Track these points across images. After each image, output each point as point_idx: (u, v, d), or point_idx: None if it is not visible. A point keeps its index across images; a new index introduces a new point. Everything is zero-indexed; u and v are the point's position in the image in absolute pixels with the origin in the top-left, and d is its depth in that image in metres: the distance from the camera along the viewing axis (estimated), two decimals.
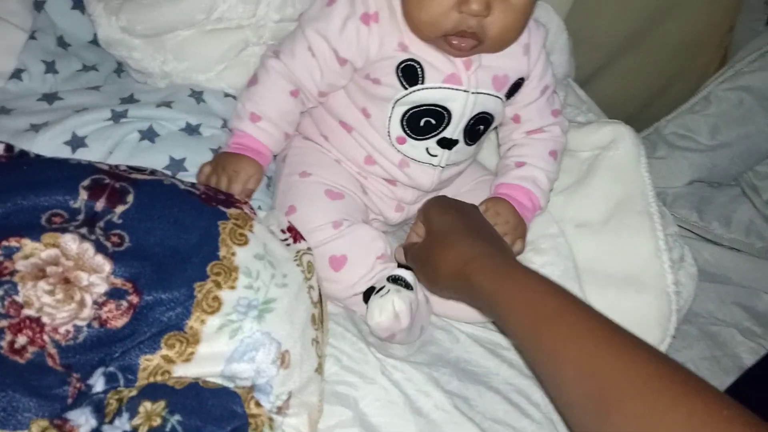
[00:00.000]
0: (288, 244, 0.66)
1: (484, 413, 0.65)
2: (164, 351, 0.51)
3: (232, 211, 0.62)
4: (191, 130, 0.77)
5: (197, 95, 0.80)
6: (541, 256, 0.75)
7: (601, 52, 1.24)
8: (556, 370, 0.51)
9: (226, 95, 0.82)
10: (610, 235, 0.78)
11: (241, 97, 0.74)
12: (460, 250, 0.61)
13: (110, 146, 0.72)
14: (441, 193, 0.81)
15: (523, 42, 0.72)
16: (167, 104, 0.77)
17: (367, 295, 0.69)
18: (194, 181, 0.70)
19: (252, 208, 0.68)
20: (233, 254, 0.58)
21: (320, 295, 0.65)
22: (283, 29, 0.81)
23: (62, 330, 0.48)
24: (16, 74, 0.78)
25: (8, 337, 0.46)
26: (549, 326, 0.52)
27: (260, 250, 0.60)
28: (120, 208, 0.56)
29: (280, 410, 0.53)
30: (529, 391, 0.68)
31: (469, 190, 0.81)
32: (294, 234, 0.67)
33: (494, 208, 0.74)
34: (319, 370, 0.59)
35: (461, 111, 0.71)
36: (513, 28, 0.67)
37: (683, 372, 0.47)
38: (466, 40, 0.66)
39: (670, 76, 1.29)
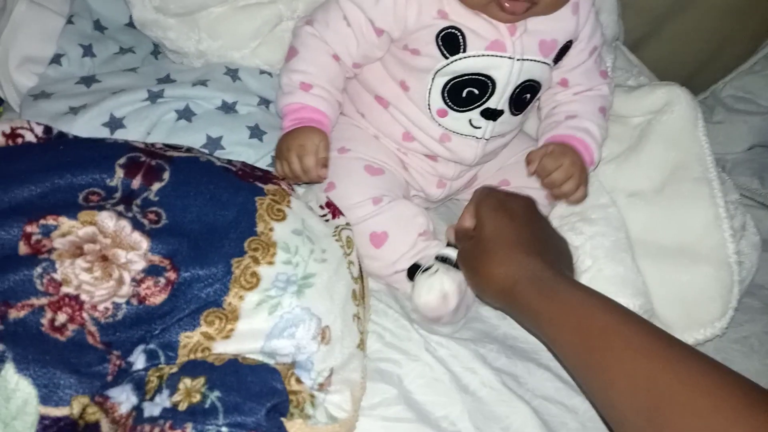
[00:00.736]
0: (327, 220, 0.65)
1: (533, 390, 0.62)
2: (204, 328, 0.51)
3: (269, 186, 0.61)
4: (227, 108, 0.76)
5: (233, 73, 0.79)
6: (591, 227, 0.71)
7: (650, 16, 1.18)
8: (607, 385, 0.50)
9: (262, 72, 0.81)
10: (665, 204, 0.74)
11: (283, 74, 0.71)
12: (510, 268, 0.58)
13: (148, 126, 0.72)
14: (486, 166, 0.78)
15: (572, 0, 0.68)
16: (203, 83, 0.77)
17: (412, 272, 0.67)
18: (231, 158, 0.69)
19: (290, 185, 0.66)
20: (271, 230, 0.57)
21: (360, 270, 0.63)
22: (317, 2, 0.79)
23: (101, 307, 0.48)
24: (56, 59, 0.79)
25: (48, 314, 0.46)
26: (600, 341, 0.51)
27: (298, 226, 0.59)
28: (156, 186, 0.55)
29: (321, 387, 0.52)
30: None
31: (516, 162, 0.78)
32: (333, 209, 0.66)
33: (560, 149, 0.70)
34: (362, 346, 0.58)
35: (506, 79, 0.67)
36: None
37: (744, 385, 0.45)
38: (520, 3, 0.62)
39: (723, 39, 1.23)
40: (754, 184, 0.91)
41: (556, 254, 0.63)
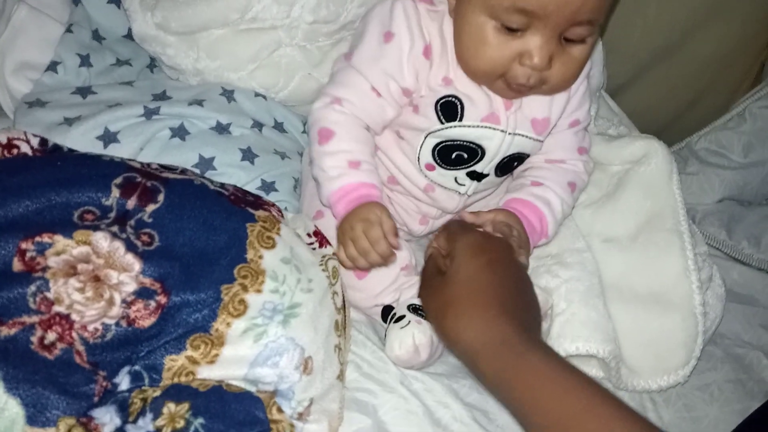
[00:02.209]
0: (314, 248, 0.66)
1: (503, 427, 0.64)
2: (189, 352, 0.52)
3: (260, 213, 0.62)
4: (221, 129, 0.77)
5: (228, 94, 0.81)
6: (566, 270, 0.73)
7: (633, 63, 1.22)
8: None
9: (257, 95, 0.82)
10: (638, 251, 0.77)
11: (323, 158, 0.66)
12: (478, 332, 0.55)
13: (141, 142, 0.73)
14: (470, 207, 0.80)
15: None
16: (199, 102, 0.78)
17: (385, 313, 0.68)
18: (222, 179, 0.70)
19: (280, 211, 0.68)
20: (260, 257, 0.58)
21: (344, 301, 0.65)
22: (316, 30, 0.81)
23: (91, 328, 0.49)
24: (52, 66, 0.79)
25: (38, 332, 0.47)
26: (578, 422, 0.49)
27: (287, 254, 0.60)
28: (151, 207, 0.56)
29: (301, 416, 0.54)
30: None
31: (498, 204, 0.80)
32: (320, 238, 0.67)
33: (507, 221, 0.68)
34: (341, 377, 0.59)
35: (496, 150, 0.68)
36: (572, 77, 0.65)
37: None
38: (526, 88, 0.64)
39: (702, 90, 1.27)
40: (722, 235, 0.95)
41: (527, 308, 0.61)
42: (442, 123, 0.67)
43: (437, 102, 0.66)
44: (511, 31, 0.60)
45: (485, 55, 0.62)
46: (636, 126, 1.00)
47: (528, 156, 0.73)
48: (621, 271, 0.76)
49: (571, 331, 0.69)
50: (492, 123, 0.67)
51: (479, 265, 0.59)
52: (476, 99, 0.66)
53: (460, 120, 0.66)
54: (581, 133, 0.75)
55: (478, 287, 0.58)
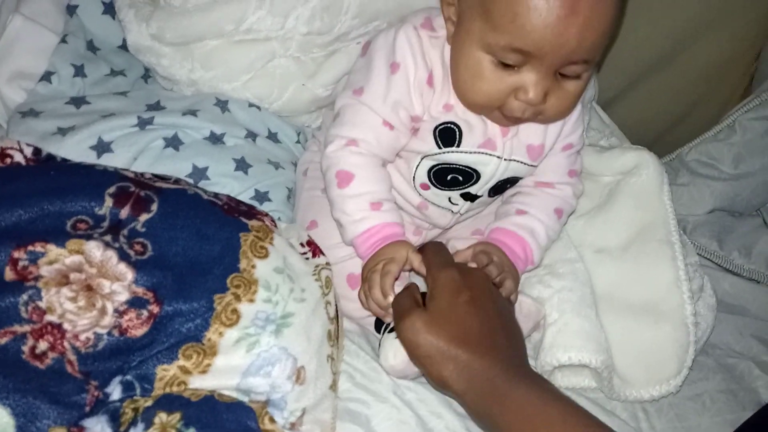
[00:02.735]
0: (307, 258, 0.66)
1: None
2: (181, 362, 0.52)
3: (253, 222, 0.62)
4: (215, 139, 0.77)
5: (222, 104, 0.81)
6: (559, 281, 0.74)
7: (625, 75, 1.23)
8: None
9: (251, 105, 0.83)
10: (629, 262, 0.77)
11: (345, 202, 0.67)
12: (461, 374, 0.56)
13: (135, 152, 0.73)
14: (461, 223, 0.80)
15: None
16: (193, 112, 0.78)
17: (378, 323, 0.68)
18: (215, 189, 0.70)
19: (273, 220, 0.68)
20: (253, 267, 0.58)
21: (337, 311, 0.65)
22: (310, 42, 0.82)
23: (83, 337, 0.49)
24: (46, 76, 0.79)
25: (30, 342, 0.47)
26: None
27: (280, 264, 0.60)
28: (144, 217, 0.56)
29: (293, 426, 0.53)
30: None
31: (492, 212, 0.81)
32: (313, 248, 0.67)
33: (485, 250, 0.68)
34: (333, 387, 0.59)
35: (491, 174, 0.69)
36: (567, 110, 0.65)
37: None
38: (522, 120, 0.65)
39: (693, 102, 1.28)
40: (713, 246, 0.95)
41: (510, 341, 0.61)
42: (439, 148, 0.67)
43: (436, 128, 0.67)
44: (507, 66, 0.60)
45: (481, 89, 0.62)
46: (627, 137, 1.01)
47: (521, 179, 0.74)
48: (613, 281, 0.76)
49: (564, 341, 0.69)
50: (488, 149, 0.67)
51: (460, 304, 0.60)
52: (474, 126, 0.67)
53: (458, 146, 0.67)
54: (573, 156, 0.76)
55: (460, 330, 0.58)
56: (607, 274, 0.77)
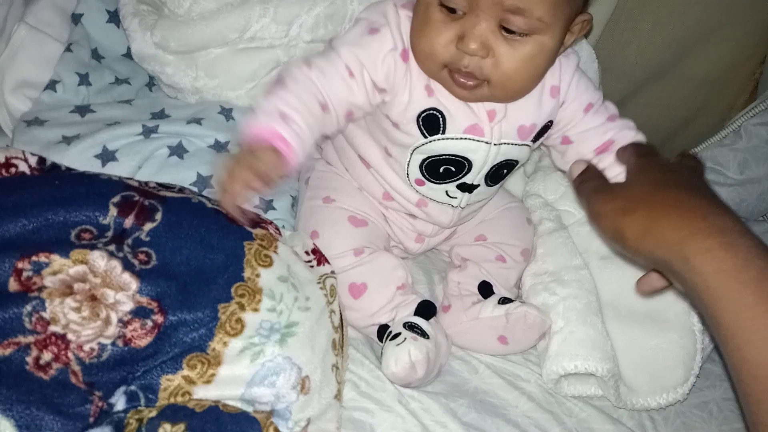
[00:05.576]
0: (312, 266, 0.66)
1: None
2: (185, 372, 0.51)
3: (257, 231, 0.62)
4: (220, 147, 0.77)
5: (227, 112, 0.81)
6: (564, 288, 0.74)
7: (629, 81, 1.23)
8: None
9: None
10: (635, 269, 0.77)
11: (264, 97, 0.63)
12: (684, 214, 0.50)
13: (139, 161, 0.73)
14: (463, 224, 0.80)
15: (551, 84, 0.68)
16: (197, 121, 0.78)
17: (381, 332, 0.68)
18: None
19: (277, 228, 0.68)
20: (257, 276, 0.58)
21: (341, 319, 0.64)
22: (314, 49, 0.81)
23: (87, 347, 0.49)
24: (51, 85, 0.79)
25: (34, 353, 0.47)
26: None
27: (284, 272, 0.60)
28: (148, 226, 0.56)
29: None
30: (548, 425, 0.67)
31: (495, 218, 0.80)
32: (318, 256, 0.67)
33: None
34: (338, 396, 0.59)
35: (483, 161, 0.69)
36: (519, 77, 0.62)
37: None
38: (468, 77, 0.62)
39: (697, 108, 1.28)
40: None
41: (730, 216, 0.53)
42: (425, 137, 0.67)
43: (419, 116, 0.66)
44: (452, 13, 0.60)
45: (427, 35, 0.61)
46: None
47: (517, 162, 0.72)
48: (618, 288, 0.76)
49: (569, 350, 0.68)
50: (475, 135, 0.67)
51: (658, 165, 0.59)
52: (458, 110, 0.66)
53: (443, 132, 0.67)
54: (602, 109, 0.72)
55: (662, 181, 0.56)
56: (613, 282, 0.77)
